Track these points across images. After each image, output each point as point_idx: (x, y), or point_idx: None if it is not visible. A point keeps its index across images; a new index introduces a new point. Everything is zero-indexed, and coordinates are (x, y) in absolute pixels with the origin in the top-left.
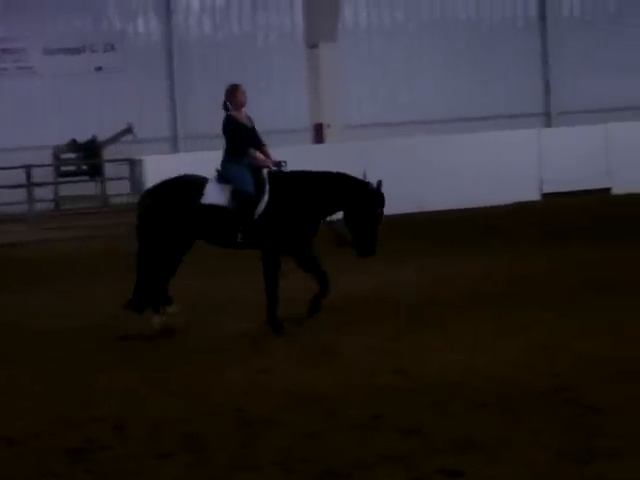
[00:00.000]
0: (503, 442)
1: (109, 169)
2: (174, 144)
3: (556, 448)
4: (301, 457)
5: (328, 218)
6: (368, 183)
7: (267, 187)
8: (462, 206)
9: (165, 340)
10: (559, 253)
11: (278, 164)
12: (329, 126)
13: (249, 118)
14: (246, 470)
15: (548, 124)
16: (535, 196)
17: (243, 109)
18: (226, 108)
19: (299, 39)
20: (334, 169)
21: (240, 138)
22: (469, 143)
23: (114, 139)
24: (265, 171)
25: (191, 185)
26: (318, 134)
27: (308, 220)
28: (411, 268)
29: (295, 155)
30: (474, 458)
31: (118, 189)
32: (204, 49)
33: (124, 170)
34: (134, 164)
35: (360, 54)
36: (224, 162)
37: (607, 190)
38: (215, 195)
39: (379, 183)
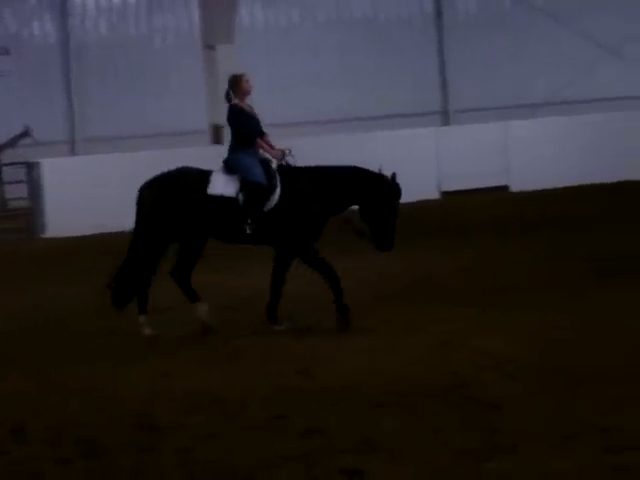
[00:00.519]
0: (404, 441)
1: (6, 173)
2: (72, 147)
3: (456, 445)
4: (203, 459)
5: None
6: (385, 176)
7: (278, 179)
8: None
9: (65, 342)
10: (460, 251)
11: (284, 153)
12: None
13: (251, 107)
14: (148, 473)
15: (446, 122)
16: (434, 195)
17: (247, 98)
18: (229, 98)
19: (196, 40)
20: None
21: (248, 128)
22: (367, 142)
23: (11, 143)
24: (275, 163)
25: (196, 176)
26: (216, 135)
27: (322, 215)
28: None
29: (194, 156)
30: (375, 457)
31: (16, 193)
32: (101, 51)
33: (21, 173)
34: (32, 167)
35: (258, 54)
36: (232, 152)
37: (505, 188)
38: (223, 186)
39: (394, 175)
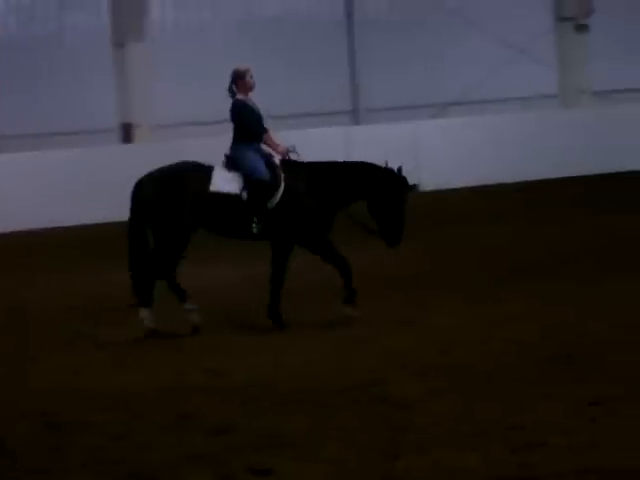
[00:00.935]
0: (313, 439)
1: None
2: None
3: (366, 444)
4: (110, 459)
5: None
6: (392, 169)
7: (282, 176)
8: None
9: None
10: (368, 250)
11: (288, 150)
12: (138, 126)
13: (254, 103)
14: (55, 473)
15: (356, 122)
16: None
17: (250, 93)
18: (232, 92)
19: (106, 38)
20: (142, 169)
21: (253, 123)
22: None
23: None
24: (278, 159)
25: (196, 171)
26: (127, 134)
27: (327, 211)
28: (221, 268)
29: (103, 155)
30: (284, 456)
31: None
32: (10, 49)
33: None
34: None
35: (169, 53)
36: (235, 148)
37: (414, 187)
38: (225, 182)
39: (400, 168)
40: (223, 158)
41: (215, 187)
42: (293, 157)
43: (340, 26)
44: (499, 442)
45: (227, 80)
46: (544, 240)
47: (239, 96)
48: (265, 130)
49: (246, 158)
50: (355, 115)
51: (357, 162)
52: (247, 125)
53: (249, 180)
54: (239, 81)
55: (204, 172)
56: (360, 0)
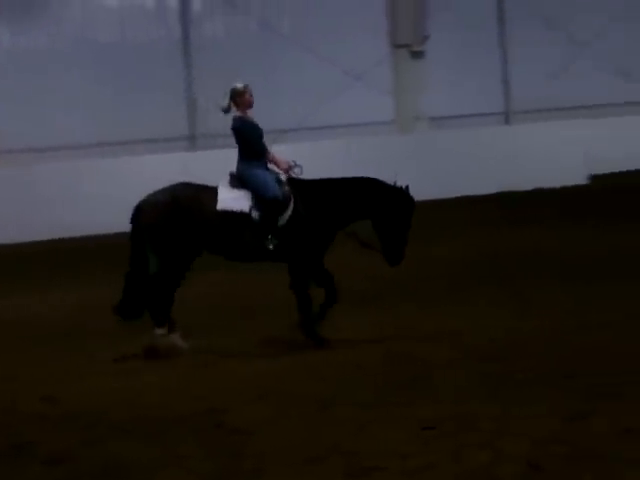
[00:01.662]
0: (150, 468)
1: None
2: None
3: (202, 471)
4: None
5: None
6: (400, 188)
7: (290, 194)
8: (113, 231)
9: None
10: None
11: (290, 166)
12: None
13: (253, 120)
14: None
15: (194, 147)
16: None
17: (249, 111)
18: (228, 109)
19: None
20: None
21: (256, 140)
22: (114, 168)
23: None
24: (284, 176)
25: (200, 191)
26: None
27: (334, 229)
28: (55, 296)
29: None
30: None
31: None
32: None
33: None
34: None
35: (4, 75)
36: (243, 166)
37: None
38: (233, 201)
39: (407, 187)
40: (227, 176)
41: (222, 206)
42: (297, 172)
43: (177, 50)
44: (335, 467)
45: (63, 104)
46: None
47: (238, 113)
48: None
49: (256, 176)
50: (193, 141)
51: (364, 178)
52: (251, 142)
53: (259, 198)
54: (238, 99)
55: (209, 192)
56: (196, 25)
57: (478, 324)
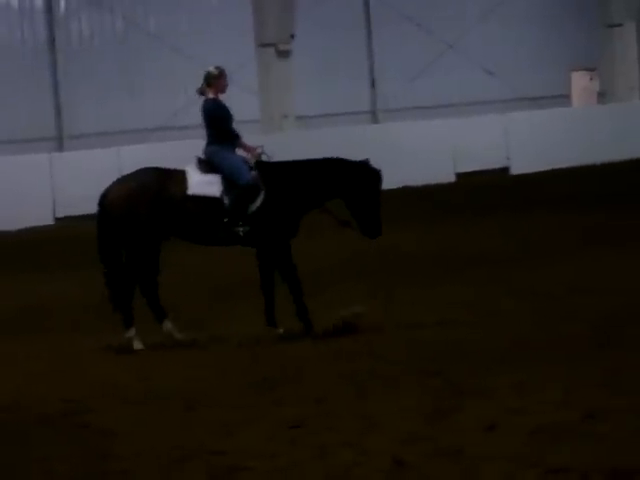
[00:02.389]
0: (12, 471)
1: None
2: None
3: (67, 474)
4: None
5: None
6: (366, 163)
7: (259, 178)
8: None
9: None
10: (70, 278)
11: (260, 152)
12: None
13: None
14: None
15: (60, 148)
16: (49, 221)
17: (220, 95)
18: (202, 92)
19: None
20: None
21: (229, 123)
22: None
23: None
24: (252, 160)
25: (167, 176)
26: None
27: (304, 211)
28: None
29: None
30: None
31: None
32: None
33: None
34: None
35: None
36: (213, 149)
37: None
38: (203, 185)
39: (367, 160)
40: (194, 160)
41: (193, 190)
42: (264, 158)
43: (43, 50)
44: (201, 468)
45: None
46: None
47: (210, 95)
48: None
49: (228, 159)
50: (59, 141)
51: (329, 159)
52: (224, 125)
53: (231, 183)
54: (214, 82)
55: (178, 175)
56: (62, 25)
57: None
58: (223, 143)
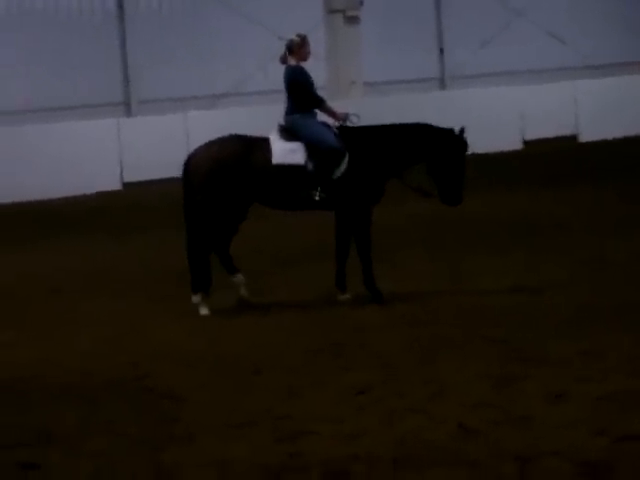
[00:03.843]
0: (81, 433)
1: None
2: None
3: (133, 436)
4: None
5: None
6: (452, 130)
7: (343, 144)
8: (43, 197)
9: None
10: (138, 243)
11: (347, 116)
12: None
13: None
14: None
15: (129, 114)
16: (117, 186)
17: (302, 63)
18: (284, 60)
19: None
20: None
21: (313, 89)
22: (51, 133)
23: None
24: (335, 126)
25: (253, 144)
26: None
27: (389, 176)
28: None
29: None
30: (52, 450)
31: None
32: None
33: None
34: None
35: None
36: (295, 117)
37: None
38: (287, 154)
39: (462, 130)
40: (277, 127)
41: (278, 159)
42: (353, 122)
43: (111, 18)
44: (267, 432)
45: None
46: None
47: (292, 62)
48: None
49: (310, 127)
50: (127, 107)
51: (415, 124)
52: (307, 90)
53: (315, 150)
54: (297, 49)
55: (262, 144)
56: None
57: (408, 288)
58: (305, 110)
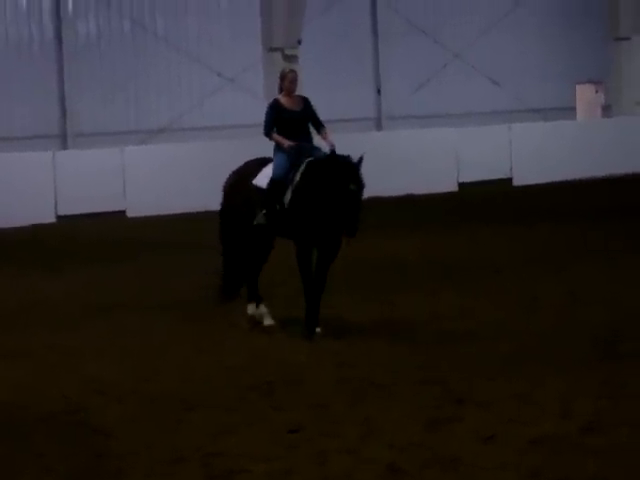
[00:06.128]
0: (9, 468)
1: None
2: None
3: (64, 471)
4: None
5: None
6: (335, 159)
7: (297, 175)
8: None
9: None
10: (73, 273)
11: (290, 147)
12: None
13: (302, 101)
14: None
15: (65, 147)
16: (51, 219)
17: (295, 94)
18: (280, 91)
19: None
20: None
21: (265, 123)
22: None
23: None
24: (308, 159)
25: (255, 167)
26: None
27: (331, 210)
28: None
29: None
30: None
31: None
32: None
33: None
34: None
35: None
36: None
37: (122, 212)
38: (263, 178)
39: (357, 158)
40: None
41: (256, 181)
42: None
43: (50, 50)
44: (198, 469)
45: None
46: None
47: (279, 96)
48: (320, 125)
49: (275, 156)
50: (63, 139)
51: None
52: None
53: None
54: (281, 82)
55: (259, 167)
56: (70, 24)
57: (341, 329)
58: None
